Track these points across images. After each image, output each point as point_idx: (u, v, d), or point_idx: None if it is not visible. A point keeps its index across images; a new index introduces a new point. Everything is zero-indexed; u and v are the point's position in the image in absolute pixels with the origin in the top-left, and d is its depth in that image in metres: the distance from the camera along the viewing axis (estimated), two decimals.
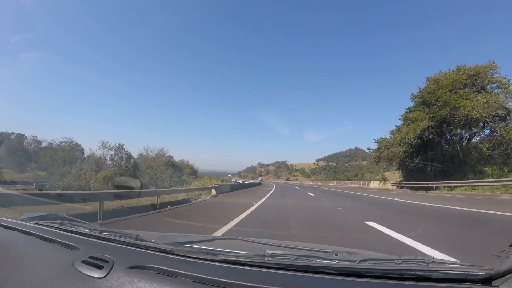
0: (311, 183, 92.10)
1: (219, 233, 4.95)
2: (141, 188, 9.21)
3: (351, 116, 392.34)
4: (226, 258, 1.14)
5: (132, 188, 9.05)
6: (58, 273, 1.11)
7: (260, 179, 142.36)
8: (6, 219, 1.84)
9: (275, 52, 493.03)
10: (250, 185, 36.35)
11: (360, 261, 1.05)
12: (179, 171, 39.80)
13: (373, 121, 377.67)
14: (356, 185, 38.13)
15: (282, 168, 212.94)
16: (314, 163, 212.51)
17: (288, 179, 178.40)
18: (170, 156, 41.03)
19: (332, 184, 54.07)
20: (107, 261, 1.12)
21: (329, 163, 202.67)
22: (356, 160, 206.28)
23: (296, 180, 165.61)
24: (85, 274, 1.07)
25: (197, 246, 1.35)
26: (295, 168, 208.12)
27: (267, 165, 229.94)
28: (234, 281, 0.95)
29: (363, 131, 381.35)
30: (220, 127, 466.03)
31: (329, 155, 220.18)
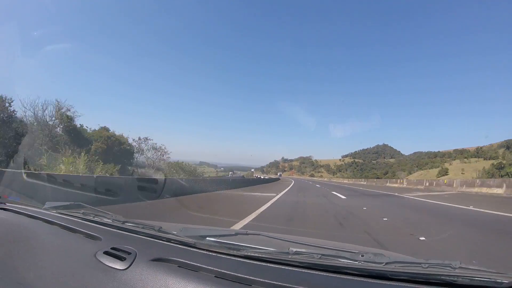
0: (334, 180, 78.58)
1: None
2: (165, 181, 8.80)
3: (379, 111, 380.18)
4: (249, 254, 1.13)
5: (156, 181, 8.79)
6: (80, 263, 1.11)
7: (278, 174, 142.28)
8: (29, 207, 1.84)
9: (301, 42, 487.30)
10: (262, 181, 32.79)
11: (386, 263, 1.02)
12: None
13: (401, 116, 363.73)
14: (396, 185, 29.59)
15: (307, 164, 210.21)
16: (340, 159, 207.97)
17: (312, 175, 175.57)
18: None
19: (362, 182, 44.11)
20: (129, 253, 1.12)
21: (356, 160, 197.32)
22: (384, 157, 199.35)
23: (321, 176, 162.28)
24: (107, 265, 1.06)
25: (219, 240, 1.33)
26: (320, 164, 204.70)
27: (291, 160, 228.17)
28: (257, 278, 0.94)
29: (391, 127, 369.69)
30: (245, 122, 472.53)
31: (355, 152, 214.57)
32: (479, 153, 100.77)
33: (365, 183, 42.00)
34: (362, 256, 1.11)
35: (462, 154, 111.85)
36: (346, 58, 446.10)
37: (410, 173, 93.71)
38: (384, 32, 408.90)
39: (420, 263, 1.02)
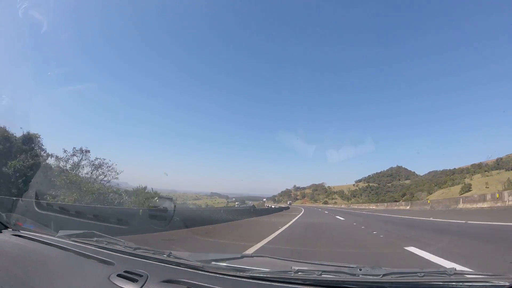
0: (352, 206, 72.05)
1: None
2: (174, 209, 9.05)
3: (390, 134, 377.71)
4: (253, 274, 1.20)
5: (166, 209, 9.01)
6: (94, 285, 1.19)
7: (288, 203, 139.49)
8: (43, 235, 1.92)
9: (312, 66, 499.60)
10: (271, 211, 30.46)
11: (383, 275, 1.07)
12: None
13: (414, 136, 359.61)
14: (423, 207, 23.68)
15: (319, 191, 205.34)
16: (353, 185, 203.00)
17: (326, 202, 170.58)
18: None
19: (381, 207, 37.62)
20: (141, 275, 1.19)
21: (370, 184, 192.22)
22: (399, 180, 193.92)
23: (335, 203, 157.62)
24: (121, 287, 1.13)
25: (226, 264, 1.43)
26: (333, 191, 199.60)
27: (303, 188, 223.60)
28: None
29: (404, 148, 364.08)
30: (253, 152, 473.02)
31: (369, 176, 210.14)
32: (499, 164, 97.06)
33: (384, 207, 36.64)
34: (360, 270, 1.18)
35: (480, 168, 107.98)
36: (349, 80, 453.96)
37: (430, 193, 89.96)
38: (386, 50, 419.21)
39: (416, 273, 1.06)
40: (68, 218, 5.35)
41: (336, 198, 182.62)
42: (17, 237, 1.86)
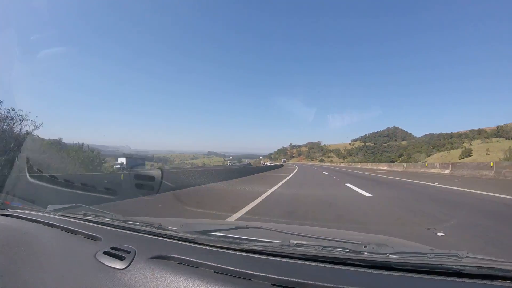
0: (343, 165, 67.06)
1: None
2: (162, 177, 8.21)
3: (388, 92, 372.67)
4: (249, 247, 1.12)
5: (154, 178, 8.19)
6: (80, 265, 1.12)
7: (283, 160, 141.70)
8: (31, 212, 1.87)
9: (318, 39, 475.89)
10: (263, 169, 28.63)
11: (390, 254, 0.99)
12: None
13: (413, 95, 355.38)
14: (438, 170, 19.40)
15: (316, 149, 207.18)
16: (349, 143, 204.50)
17: (322, 160, 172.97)
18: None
19: (382, 168, 31.02)
20: (128, 252, 1.13)
21: (367, 143, 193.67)
22: (396, 140, 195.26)
23: (331, 161, 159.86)
24: (107, 265, 1.07)
25: (219, 234, 1.32)
26: (329, 149, 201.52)
27: (299, 146, 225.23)
28: (257, 272, 0.92)
29: (401, 108, 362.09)
30: (253, 111, 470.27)
31: (365, 135, 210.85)
32: (500, 132, 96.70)
33: (384, 168, 31.52)
34: (365, 247, 1.08)
35: (479, 134, 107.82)
36: (347, 36, 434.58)
37: (428, 155, 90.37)
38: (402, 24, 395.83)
39: (425, 253, 0.99)
40: (56, 189, 5.10)
41: (332, 157, 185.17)
42: (5, 216, 1.80)
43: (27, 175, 4.84)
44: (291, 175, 17.83)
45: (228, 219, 4.49)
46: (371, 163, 41.43)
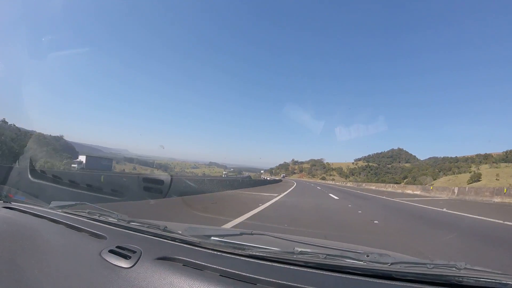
0: (351, 184, 57.69)
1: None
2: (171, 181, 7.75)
3: (393, 114, 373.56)
4: (254, 253, 1.13)
5: (162, 182, 7.72)
6: (85, 261, 1.13)
7: (282, 176, 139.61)
8: (34, 207, 1.85)
9: (308, 54, 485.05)
10: (262, 182, 28.72)
11: (391, 263, 1.03)
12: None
13: (418, 117, 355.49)
14: (421, 192, 20.83)
15: (318, 167, 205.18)
16: (352, 163, 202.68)
17: (323, 178, 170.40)
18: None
19: (414, 191, 24.25)
20: (134, 251, 1.13)
21: (370, 164, 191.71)
22: (399, 162, 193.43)
23: (333, 180, 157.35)
24: (112, 264, 1.07)
25: (224, 240, 1.34)
26: (332, 167, 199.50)
27: (302, 162, 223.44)
28: (261, 277, 0.95)
29: (406, 130, 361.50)
30: (255, 125, 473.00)
31: (369, 155, 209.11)
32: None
33: (390, 188, 30.38)
34: (368, 256, 1.10)
35: (486, 159, 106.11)
36: (350, 70, 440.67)
37: (434, 179, 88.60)
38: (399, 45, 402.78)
39: (425, 264, 1.03)
40: (62, 188, 4.91)
41: (334, 175, 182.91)
42: (8, 209, 1.80)
43: (29, 169, 4.66)
44: (279, 197, 11.86)
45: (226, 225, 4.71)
46: (392, 185, 34.68)
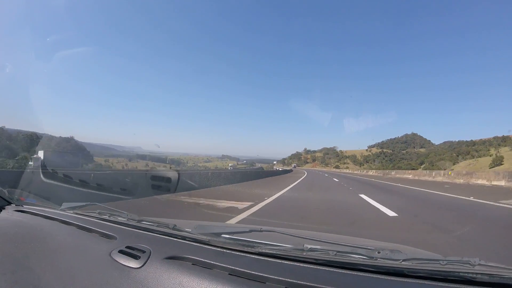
0: (373, 173, 44.90)
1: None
2: (178, 179, 7.98)
3: (405, 98, 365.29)
4: (263, 250, 1.12)
5: (170, 179, 7.85)
6: (95, 262, 1.14)
7: (293, 166, 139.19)
8: (46, 209, 1.89)
9: (335, 42, 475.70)
10: (270, 174, 27.01)
11: (403, 260, 0.99)
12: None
13: (431, 101, 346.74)
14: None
15: (331, 155, 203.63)
16: (366, 150, 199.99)
17: (337, 167, 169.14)
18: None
19: (408, 176, 27.68)
20: (144, 251, 1.14)
21: (384, 150, 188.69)
22: (414, 147, 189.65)
23: (347, 168, 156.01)
24: (122, 264, 1.08)
25: (233, 237, 1.32)
26: (345, 155, 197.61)
27: (314, 151, 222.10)
28: (271, 276, 0.93)
29: (420, 115, 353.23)
30: (265, 117, 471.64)
31: (382, 141, 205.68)
32: None
33: (410, 176, 27.72)
34: (379, 252, 1.07)
35: (505, 141, 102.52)
36: (359, 56, 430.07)
37: (454, 163, 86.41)
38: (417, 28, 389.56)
39: (438, 260, 0.99)
40: (73, 189, 4.94)
41: (348, 163, 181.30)
42: (20, 212, 1.82)
43: (41, 171, 4.71)
44: (278, 194, 9.46)
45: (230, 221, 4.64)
46: (406, 171, 31.60)
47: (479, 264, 0.92)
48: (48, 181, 4.50)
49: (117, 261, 1.09)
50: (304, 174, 33.76)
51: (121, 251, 1.15)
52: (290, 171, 47.21)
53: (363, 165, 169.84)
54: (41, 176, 4.69)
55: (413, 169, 73.11)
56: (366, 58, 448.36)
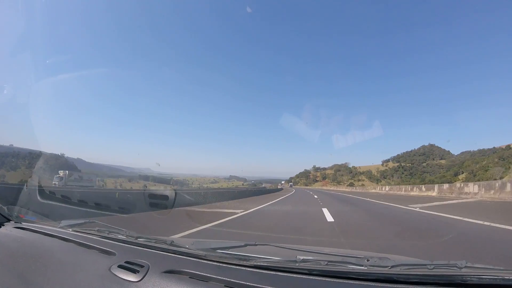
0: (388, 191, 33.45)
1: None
2: (175, 197, 8.09)
3: (420, 110, 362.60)
4: (258, 263, 1.19)
5: (167, 197, 7.98)
6: (95, 277, 1.20)
7: (289, 185, 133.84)
8: (45, 226, 1.99)
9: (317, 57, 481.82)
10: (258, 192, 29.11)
11: (392, 266, 1.06)
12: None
13: (449, 110, 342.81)
14: None
15: (343, 172, 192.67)
16: (382, 164, 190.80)
17: (351, 184, 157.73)
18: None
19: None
20: (142, 266, 1.21)
21: (402, 164, 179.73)
22: (433, 159, 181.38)
23: (362, 185, 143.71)
24: (121, 278, 1.15)
25: (229, 252, 1.41)
26: (359, 171, 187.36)
27: (324, 168, 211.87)
28: (265, 286, 0.99)
29: (436, 124, 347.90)
30: (272, 136, 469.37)
31: (398, 155, 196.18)
32: None
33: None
34: (368, 260, 1.15)
35: None
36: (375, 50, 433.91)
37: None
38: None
39: (425, 265, 1.05)
40: (71, 208, 5.53)
41: (363, 180, 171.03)
42: (19, 229, 1.90)
43: (38, 189, 4.94)
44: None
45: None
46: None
47: (466, 267, 0.98)
48: (45, 201, 4.75)
49: (116, 275, 1.16)
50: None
51: (120, 266, 1.22)
52: (280, 190, 49.61)
53: (380, 181, 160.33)
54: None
55: (449, 182, 63.49)
56: (368, 73, 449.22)
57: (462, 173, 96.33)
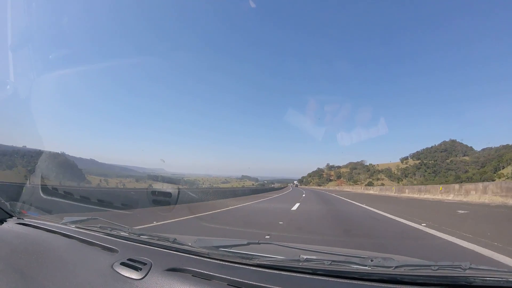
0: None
1: None
2: (178, 195, 8.00)
3: (440, 103, 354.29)
4: (261, 262, 1.19)
5: (170, 194, 7.99)
6: (97, 274, 1.21)
7: (295, 184, 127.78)
8: (47, 222, 1.98)
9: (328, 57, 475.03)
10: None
11: (396, 267, 1.06)
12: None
13: (469, 99, 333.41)
14: None
15: (359, 170, 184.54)
16: (401, 162, 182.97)
17: (370, 183, 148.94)
18: None
19: None
20: (145, 263, 1.21)
21: (424, 161, 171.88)
22: (456, 155, 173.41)
23: (383, 184, 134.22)
24: (124, 276, 1.15)
25: (232, 250, 1.41)
26: (378, 169, 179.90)
27: (338, 167, 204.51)
28: (268, 285, 0.99)
29: (457, 119, 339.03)
30: (283, 136, 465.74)
31: (417, 152, 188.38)
32: None
33: None
34: (372, 261, 1.15)
35: None
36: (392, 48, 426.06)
37: None
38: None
39: (429, 266, 1.05)
40: (74, 204, 5.54)
41: (382, 179, 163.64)
42: (22, 225, 1.91)
43: (40, 186, 4.93)
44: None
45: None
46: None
47: (470, 268, 0.98)
48: (48, 197, 4.72)
49: (119, 272, 1.16)
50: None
51: (122, 263, 1.22)
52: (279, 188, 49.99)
53: (402, 180, 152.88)
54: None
55: (490, 179, 56.83)
56: (392, 73, 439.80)
57: (503, 167, 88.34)
